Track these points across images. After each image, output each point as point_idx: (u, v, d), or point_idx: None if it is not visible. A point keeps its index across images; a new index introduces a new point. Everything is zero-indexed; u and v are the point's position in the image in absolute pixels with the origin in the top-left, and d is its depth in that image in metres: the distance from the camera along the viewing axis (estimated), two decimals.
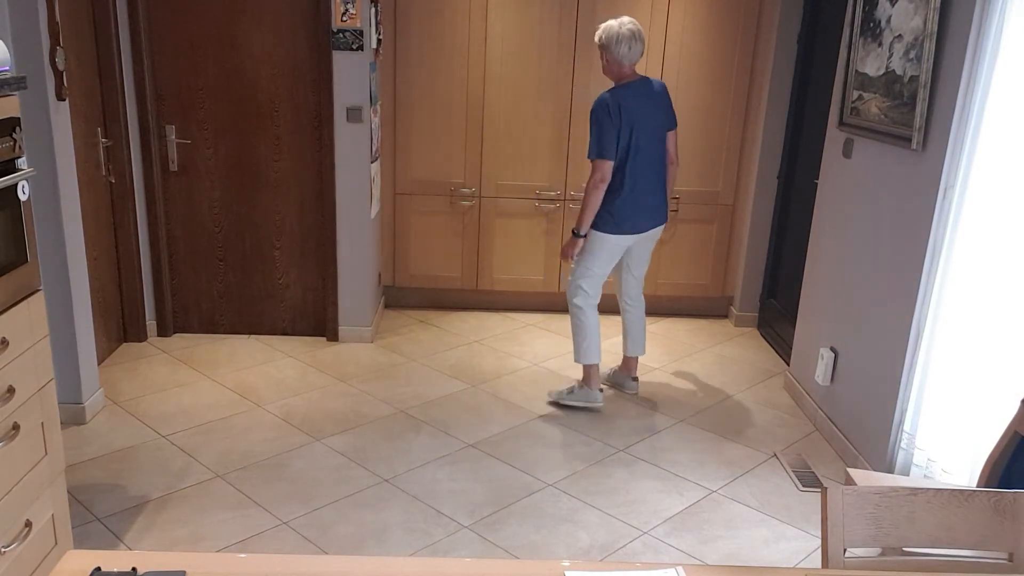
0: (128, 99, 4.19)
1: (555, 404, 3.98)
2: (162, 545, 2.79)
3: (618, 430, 3.74)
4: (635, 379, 4.16)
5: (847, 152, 3.64)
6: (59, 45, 3.28)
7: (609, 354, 4.57)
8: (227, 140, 4.38)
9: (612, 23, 3.61)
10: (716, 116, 4.91)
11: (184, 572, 1.41)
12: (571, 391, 3.95)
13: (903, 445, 3.12)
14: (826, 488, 1.59)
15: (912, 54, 3.04)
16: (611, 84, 3.75)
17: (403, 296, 5.24)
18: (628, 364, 4.16)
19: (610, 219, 3.71)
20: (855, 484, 2.29)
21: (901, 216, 3.14)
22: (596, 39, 3.67)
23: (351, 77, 4.24)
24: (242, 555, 1.52)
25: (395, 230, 5.06)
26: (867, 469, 3.27)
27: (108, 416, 3.67)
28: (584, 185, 3.75)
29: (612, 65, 3.65)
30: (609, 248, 3.76)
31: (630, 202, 3.69)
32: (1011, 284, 2.62)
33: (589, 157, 3.64)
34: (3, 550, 2.12)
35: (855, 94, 3.53)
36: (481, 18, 4.72)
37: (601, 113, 3.59)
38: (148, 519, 2.93)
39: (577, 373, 4.28)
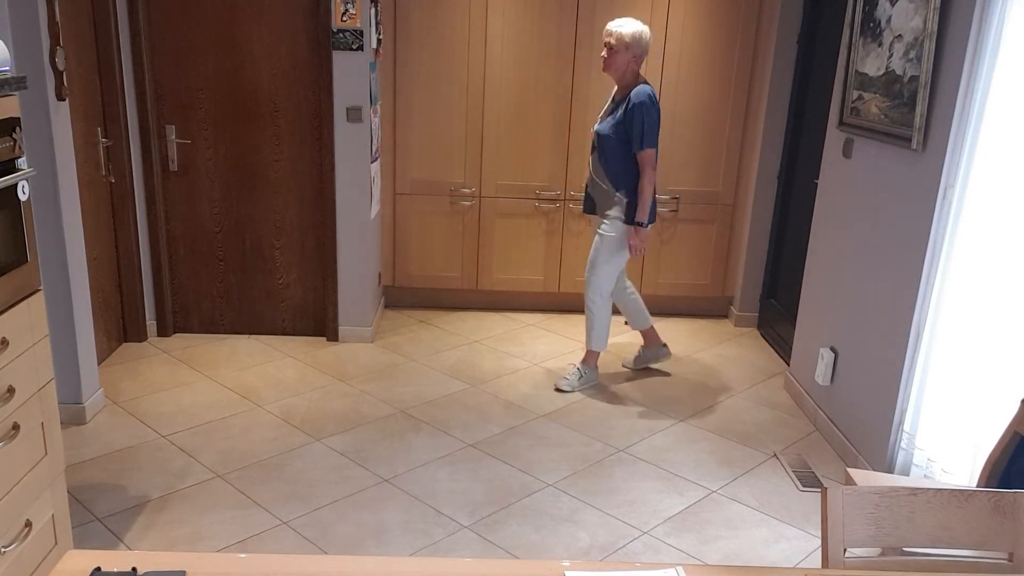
0: (128, 99, 4.19)
1: (561, 391, 4.14)
2: (162, 545, 2.79)
3: (618, 430, 3.74)
4: (665, 344, 4.42)
5: (847, 152, 3.64)
6: (59, 45, 3.28)
7: (607, 352, 4.58)
8: (227, 140, 4.38)
9: (639, 25, 3.81)
10: (716, 116, 4.91)
11: (184, 572, 1.41)
12: (580, 377, 4.16)
13: (903, 445, 3.12)
14: (826, 488, 1.59)
15: (912, 54, 3.04)
16: (609, 82, 3.90)
17: (403, 296, 5.24)
18: (653, 336, 4.38)
19: (645, 211, 3.92)
20: (855, 484, 2.29)
21: (901, 216, 3.14)
22: (629, 38, 3.78)
23: (351, 77, 4.24)
24: (242, 555, 1.52)
25: (395, 230, 5.06)
26: (867, 469, 3.27)
27: (108, 416, 3.67)
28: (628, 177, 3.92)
29: (633, 64, 3.84)
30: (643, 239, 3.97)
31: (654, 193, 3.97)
32: (1011, 284, 2.62)
33: (644, 148, 3.79)
34: (3, 550, 2.12)
35: (855, 94, 3.53)
36: (481, 18, 4.72)
37: (650, 104, 3.77)
38: (148, 519, 2.93)
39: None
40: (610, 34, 3.79)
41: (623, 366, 4.42)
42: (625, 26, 3.78)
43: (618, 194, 3.88)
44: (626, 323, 5.12)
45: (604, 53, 3.84)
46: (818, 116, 4.31)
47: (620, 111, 3.81)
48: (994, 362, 2.68)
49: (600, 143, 3.88)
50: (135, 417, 3.67)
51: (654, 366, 4.46)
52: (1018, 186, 2.61)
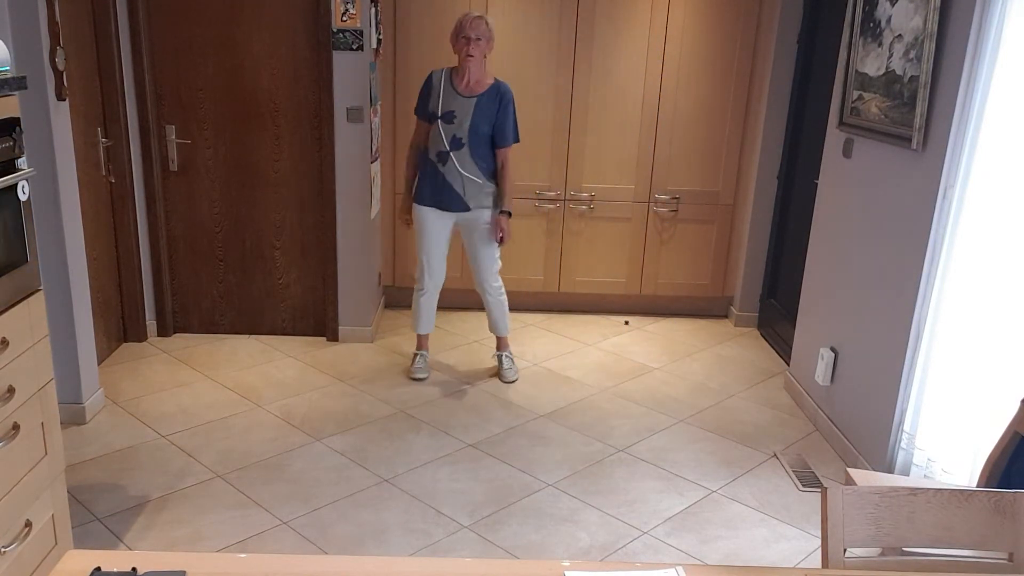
0: (128, 99, 4.19)
1: (513, 381, 4.23)
2: (162, 545, 2.79)
3: (618, 430, 3.74)
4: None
5: (847, 152, 3.64)
6: (59, 45, 3.28)
7: (599, 349, 4.57)
8: (227, 140, 4.38)
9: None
10: (716, 116, 4.91)
11: (184, 572, 1.41)
12: (512, 361, 4.29)
13: (903, 445, 3.12)
14: (826, 488, 1.59)
15: (912, 54, 3.04)
16: (490, 74, 3.94)
17: (403, 296, 5.24)
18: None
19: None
20: (855, 484, 2.29)
21: (901, 216, 3.14)
22: (494, 31, 3.84)
23: (351, 77, 4.24)
24: (242, 555, 1.52)
25: (395, 230, 5.06)
26: (867, 469, 3.27)
27: (108, 416, 3.67)
28: (497, 168, 4.03)
29: (486, 57, 3.88)
30: None
31: None
32: (1011, 284, 2.63)
33: (515, 141, 3.96)
34: (3, 550, 2.12)
35: (855, 94, 3.53)
36: None
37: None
38: (148, 519, 2.93)
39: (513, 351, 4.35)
40: (478, 25, 3.76)
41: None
42: (489, 17, 3.81)
43: (492, 184, 3.96)
44: (626, 322, 5.14)
45: (471, 48, 3.76)
46: (818, 116, 4.31)
47: (492, 105, 3.84)
48: (994, 362, 2.68)
49: (476, 139, 3.85)
50: (135, 417, 3.67)
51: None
52: (1018, 186, 2.61)
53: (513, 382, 4.19)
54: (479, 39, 3.76)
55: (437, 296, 4.19)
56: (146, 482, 3.16)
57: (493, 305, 4.16)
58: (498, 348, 4.29)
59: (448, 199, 3.92)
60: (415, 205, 4.01)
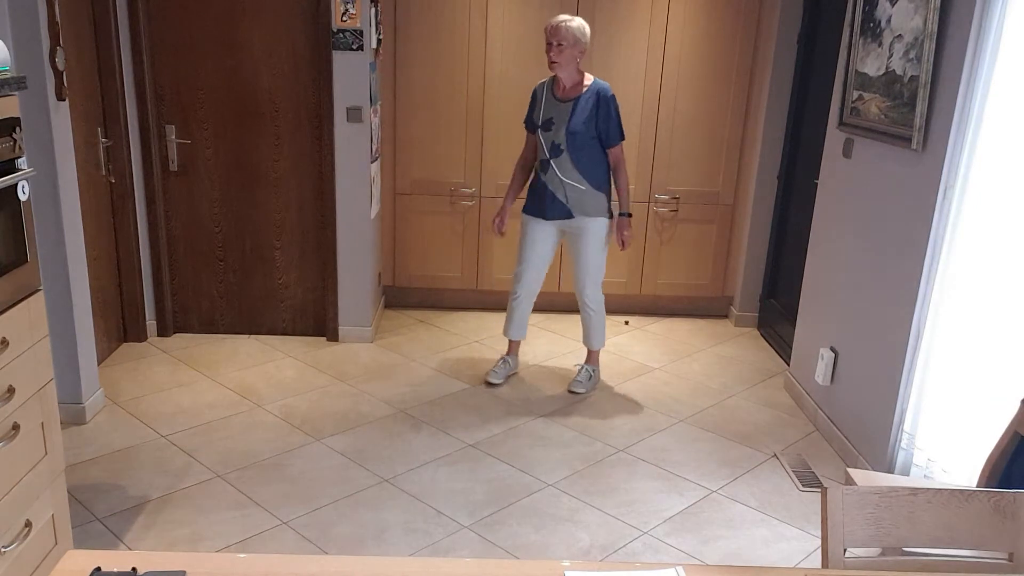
0: (128, 99, 4.19)
1: (576, 393, 4.12)
2: (162, 545, 2.79)
3: (618, 430, 3.74)
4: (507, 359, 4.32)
5: (847, 152, 3.64)
6: (59, 45, 3.28)
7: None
8: (227, 140, 4.38)
9: (580, 19, 3.79)
10: (716, 116, 4.91)
11: (184, 572, 1.41)
12: (590, 377, 4.16)
13: (903, 445, 3.12)
14: (826, 488, 1.59)
15: (912, 54, 3.04)
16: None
17: (403, 296, 5.24)
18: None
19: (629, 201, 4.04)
20: (855, 484, 2.29)
21: (901, 216, 3.14)
22: (578, 34, 3.74)
23: (351, 77, 4.24)
24: (242, 555, 1.52)
25: (395, 230, 5.06)
26: (867, 469, 3.27)
27: (108, 416, 3.67)
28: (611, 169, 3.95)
29: (579, 59, 3.80)
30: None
31: None
32: (1011, 284, 2.63)
33: (620, 140, 3.86)
34: (3, 550, 2.12)
35: (855, 94, 3.53)
36: (481, 18, 4.72)
37: (615, 97, 3.84)
38: (148, 519, 2.93)
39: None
40: (556, 31, 3.71)
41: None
42: (571, 21, 3.74)
43: (599, 192, 3.87)
44: (626, 322, 5.14)
45: (553, 52, 3.72)
46: (818, 116, 4.31)
47: (588, 107, 3.78)
48: (994, 362, 2.68)
49: (573, 143, 3.78)
50: (135, 417, 3.67)
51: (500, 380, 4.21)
52: (1018, 186, 2.61)
53: (578, 394, 4.08)
54: (560, 44, 3.70)
55: (531, 304, 4.13)
56: (146, 482, 3.16)
57: (589, 317, 4.07)
58: (587, 361, 4.21)
59: (550, 207, 3.88)
60: (523, 214, 4.00)
